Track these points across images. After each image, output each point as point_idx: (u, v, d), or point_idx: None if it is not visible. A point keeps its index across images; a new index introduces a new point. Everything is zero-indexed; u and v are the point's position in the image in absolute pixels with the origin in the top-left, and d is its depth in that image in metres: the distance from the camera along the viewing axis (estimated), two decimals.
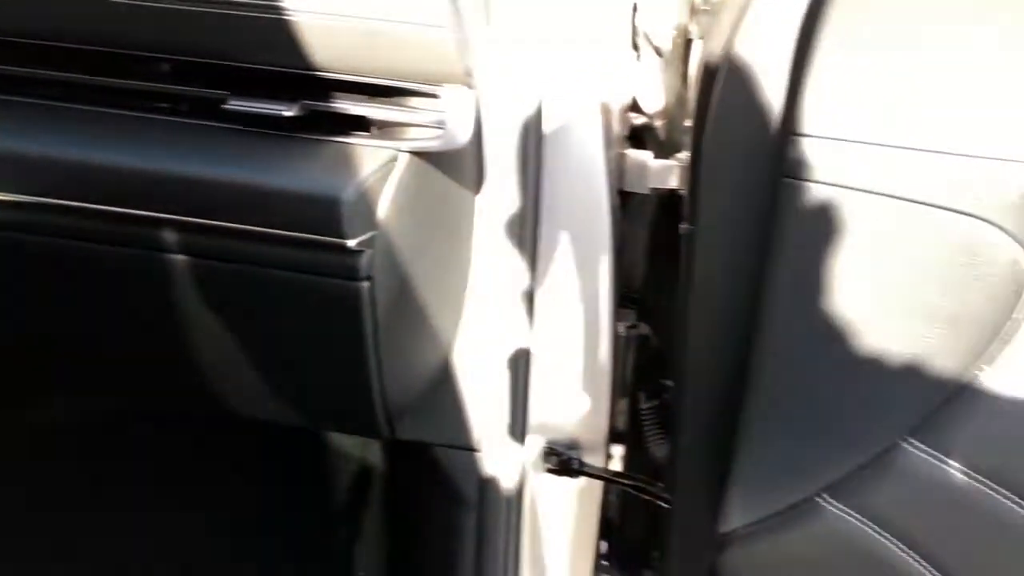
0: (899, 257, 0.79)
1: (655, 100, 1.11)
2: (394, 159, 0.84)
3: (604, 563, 1.26)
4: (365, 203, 0.81)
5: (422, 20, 0.78)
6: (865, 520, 0.84)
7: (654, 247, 1.16)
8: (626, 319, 1.14)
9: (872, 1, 0.78)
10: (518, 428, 1.10)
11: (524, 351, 1.06)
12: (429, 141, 0.84)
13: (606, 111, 1.02)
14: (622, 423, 1.21)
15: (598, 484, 1.16)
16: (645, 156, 1.08)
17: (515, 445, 1.10)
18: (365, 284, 0.83)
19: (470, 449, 1.10)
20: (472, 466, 1.10)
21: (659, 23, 1.04)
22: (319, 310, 0.89)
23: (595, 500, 1.18)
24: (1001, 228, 0.75)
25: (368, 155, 0.84)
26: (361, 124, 0.86)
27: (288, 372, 0.99)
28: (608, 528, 1.26)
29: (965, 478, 0.79)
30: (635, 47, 1.10)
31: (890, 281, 0.80)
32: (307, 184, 0.81)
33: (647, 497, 1.11)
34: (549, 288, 1.05)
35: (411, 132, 0.85)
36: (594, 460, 1.15)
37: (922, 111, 0.77)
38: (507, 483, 1.11)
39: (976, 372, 0.76)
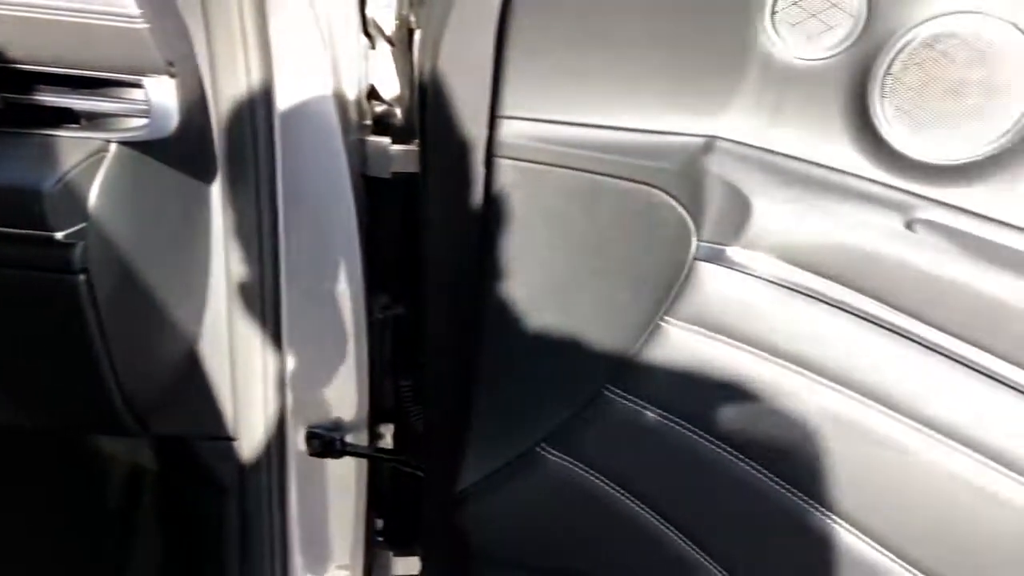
0: (588, 224, 0.87)
1: (391, 87, 1.15)
2: (103, 150, 0.84)
3: (379, 539, 1.30)
4: (71, 194, 0.80)
5: (118, 13, 0.78)
6: (580, 464, 0.92)
7: (405, 229, 1.21)
8: (381, 301, 1.18)
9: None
10: (275, 414, 1.11)
11: (275, 338, 1.08)
12: (136, 131, 0.84)
13: (341, 98, 1.05)
14: (388, 402, 1.25)
15: (365, 463, 1.20)
16: (385, 142, 1.12)
17: (274, 431, 1.12)
18: (81, 277, 0.82)
19: (227, 439, 1.10)
20: (231, 455, 1.11)
21: (383, 13, 1.08)
22: (40, 307, 0.87)
23: (363, 479, 1.21)
24: (668, 194, 0.84)
25: (74, 147, 0.83)
26: (72, 116, 0.85)
27: (20, 373, 0.96)
28: (384, 505, 1.30)
29: (660, 418, 0.88)
30: (368, 36, 1.14)
31: (583, 247, 0.88)
32: (7, 178, 0.79)
33: (408, 470, 1.16)
34: (297, 274, 1.07)
35: (121, 123, 0.85)
36: (358, 440, 1.18)
37: (598, 93, 0.85)
38: (268, 469, 1.13)
39: (660, 323, 0.86)
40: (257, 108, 0.98)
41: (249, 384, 1.08)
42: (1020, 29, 0.75)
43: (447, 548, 1.08)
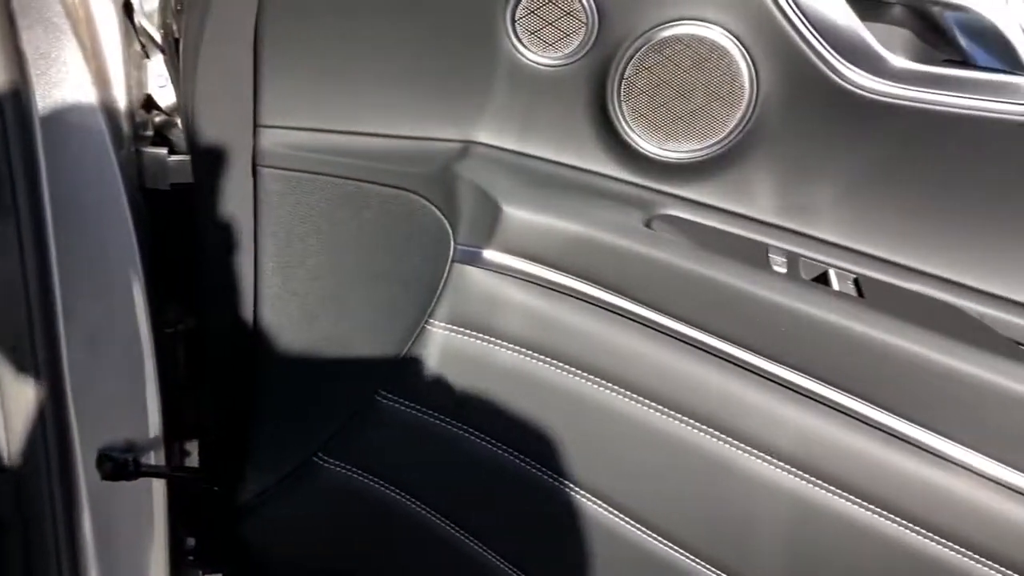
0: (355, 231, 0.88)
1: (167, 97, 1.12)
2: None
3: (190, 559, 1.26)
4: None
5: None
6: (359, 471, 0.92)
7: (188, 242, 1.18)
8: (171, 315, 1.15)
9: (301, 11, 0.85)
10: (56, 440, 1.06)
11: (50, 360, 1.03)
12: None
13: (111, 109, 1.02)
14: (190, 418, 1.22)
15: (163, 483, 1.16)
16: (163, 153, 1.09)
17: (56, 457, 1.07)
18: None
19: (1, 470, 1.05)
20: (6, 487, 1.05)
21: (148, 23, 1.05)
22: None
23: (163, 498, 1.17)
24: (427, 199, 0.86)
25: None
26: None
27: None
28: (194, 524, 1.26)
29: (432, 420, 0.90)
30: (142, 46, 1.10)
31: (351, 253, 0.89)
32: None
33: (205, 486, 1.13)
34: (73, 293, 1.03)
35: None
36: (159, 459, 1.15)
37: (356, 101, 0.86)
38: (51, 498, 1.08)
39: (425, 325, 0.87)
40: (9, 122, 0.93)
41: (21, 411, 1.03)
42: (735, 37, 0.81)
43: (240, 562, 1.06)
